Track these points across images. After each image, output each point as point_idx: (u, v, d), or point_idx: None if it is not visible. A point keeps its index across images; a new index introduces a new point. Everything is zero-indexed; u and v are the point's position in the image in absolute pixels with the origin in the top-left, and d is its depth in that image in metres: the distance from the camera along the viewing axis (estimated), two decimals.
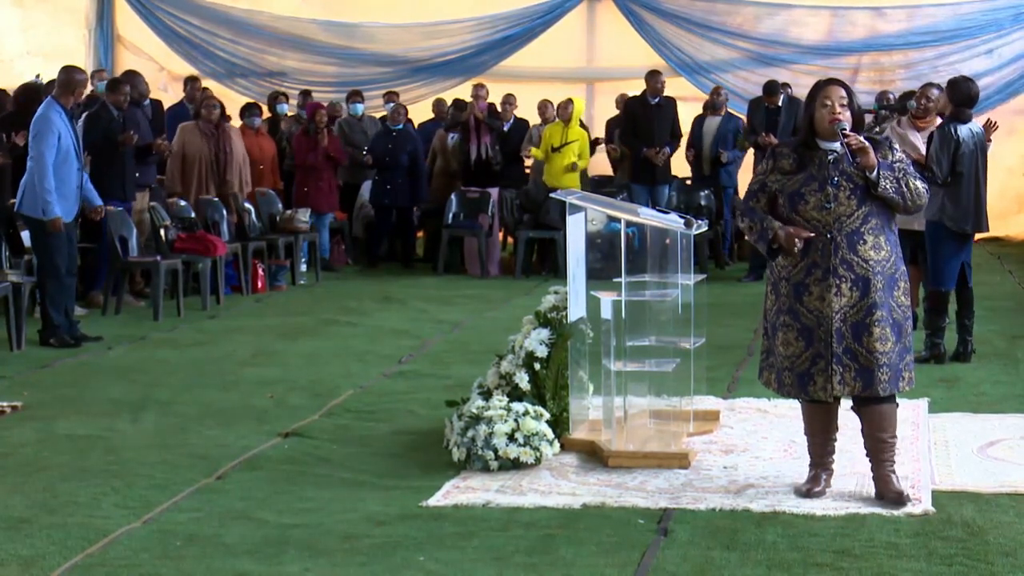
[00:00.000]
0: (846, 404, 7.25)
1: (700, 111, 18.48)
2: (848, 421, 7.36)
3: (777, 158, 7.16)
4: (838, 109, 6.95)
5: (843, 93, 7.01)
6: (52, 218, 11.88)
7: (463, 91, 20.58)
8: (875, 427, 7.06)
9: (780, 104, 16.72)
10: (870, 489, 7.12)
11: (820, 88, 7.09)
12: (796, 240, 6.94)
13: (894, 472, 7.06)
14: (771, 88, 16.97)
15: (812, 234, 6.93)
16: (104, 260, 14.04)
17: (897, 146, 7.17)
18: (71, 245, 12.22)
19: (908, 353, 7.07)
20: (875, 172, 6.87)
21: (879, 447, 7.07)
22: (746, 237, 7.44)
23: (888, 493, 6.98)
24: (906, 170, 7.01)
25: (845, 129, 6.92)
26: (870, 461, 7.12)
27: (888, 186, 6.89)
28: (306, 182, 17.66)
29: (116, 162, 13.63)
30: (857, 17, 21.57)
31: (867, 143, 6.91)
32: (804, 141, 7.12)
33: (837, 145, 6.97)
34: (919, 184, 7.00)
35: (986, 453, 8.08)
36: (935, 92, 11.76)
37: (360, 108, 19.09)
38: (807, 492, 7.12)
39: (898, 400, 7.19)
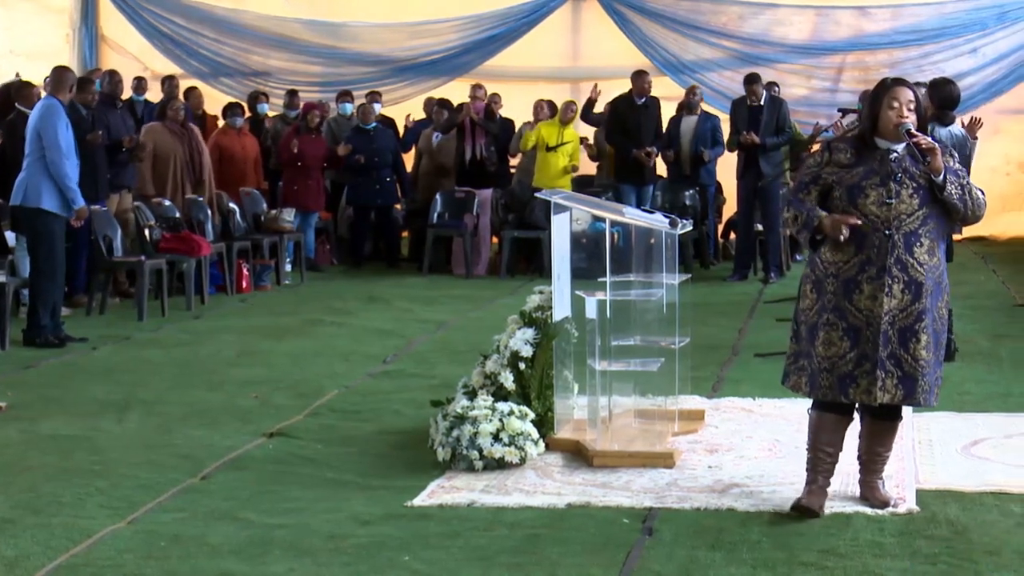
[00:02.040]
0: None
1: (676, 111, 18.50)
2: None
3: (833, 151, 6.91)
4: (906, 112, 6.76)
5: (911, 96, 6.82)
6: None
7: (448, 91, 20.59)
8: (877, 442, 6.98)
9: (763, 102, 16.72)
10: (855, 488, 7.12)
11: (887, 88, 6.88)
12: (843, 226, 6.68)
13: (882, 479, 7.03)
14: (751, 78, 16.99)
15: (859, 221, 6.68)
16: (82, 260, 14.02)
17: (956, 155, 6.98)
18: (63, 242, 12.25)
19: (939, 367, 6.88)
20: (942, 176, 6.68)
21: (874, 459, 7.00)
22: (788, 230, 7.15)
23: (875, 500, 6.95)
24: (967, 179, 6.82)
25: (911, 130, 6.71)
26: (860, 469, 7.06)
27: (953, 191, 6.68)
28: (295, 180, 17.65)
29: (86, 162, 13.59)
30: (841, 16, 21.59)
31: (936, 144, 6.71)
32: (862, 137, 6.91)
33: (899, 147, 6.78)
34: (980, 194, 6.83)
35: (970, 452, 8.09)
36: (921, 92, 11.75)
37: (349, 108, 19.07)
38: (803, 507, 6.85)
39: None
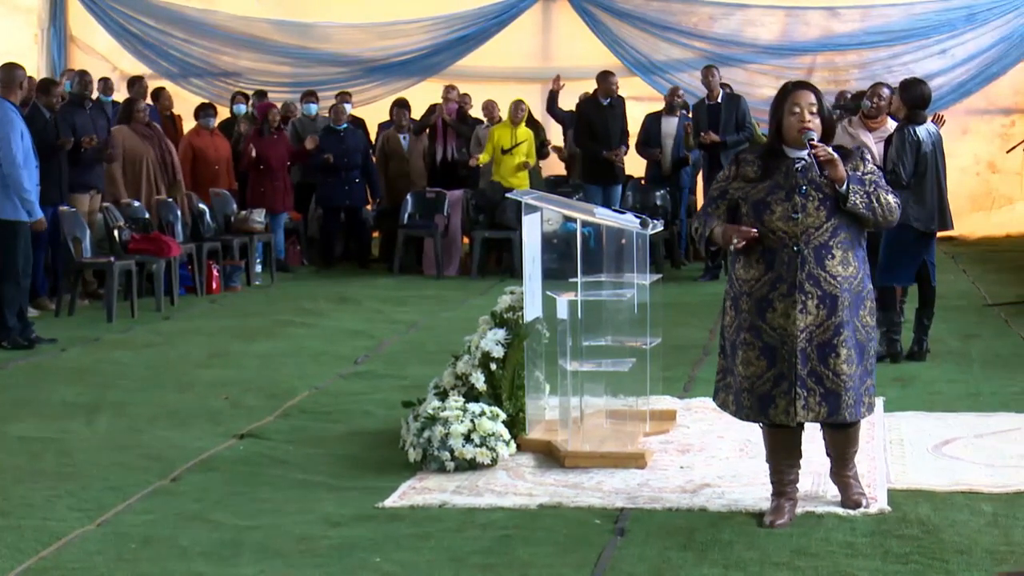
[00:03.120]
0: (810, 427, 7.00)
1: (654, 111, 18.51)
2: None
3: (740, 164, 6.76)
4: (807, 117, 6.55)
5: (813, 99, 6.60)
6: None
7: (419, 91, 20.57)
8: (841, 446, 6.88)
9: (720, 100, 16.76)
10: (825, 488, 7.13)
11: (788, 93, 6.66)
12: (734, 236, 6.56)
13: (854, 473, 6.95)
14: (705, 69, 17.09)
15: (754, 232, 6.56)
16: (40, 262, 13.92)
17: (869, 157, 6.85)
18: (27, 245, 12.16)
19: (869, 377, 6.70)
20: (844, 186, 6.48)
21: (843, 460, 6.91)
22: (695, 241, 7.12)
23: (847, 499, 6.88)
24: (877, 183, 6.63)
25: (813, 139, 6.54)
26: (831, 463, 6.97)
27: (858, 201, 6.51)
28: (260, 182, 17.60)
29: (52, 164, 13.50)
30: (811, 17, 21.65)
31: (836, 155, 6.50)
32: (770, 148, 6.75)
33: (805, 153, 6.60)
34: (891, 199, 6.65)
35: (941, 452, 8.11)
36: (886, 91, 11.79)
37: (314, 108, 19.06)
38: (771, 524, 6.72)
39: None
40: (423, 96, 19.61)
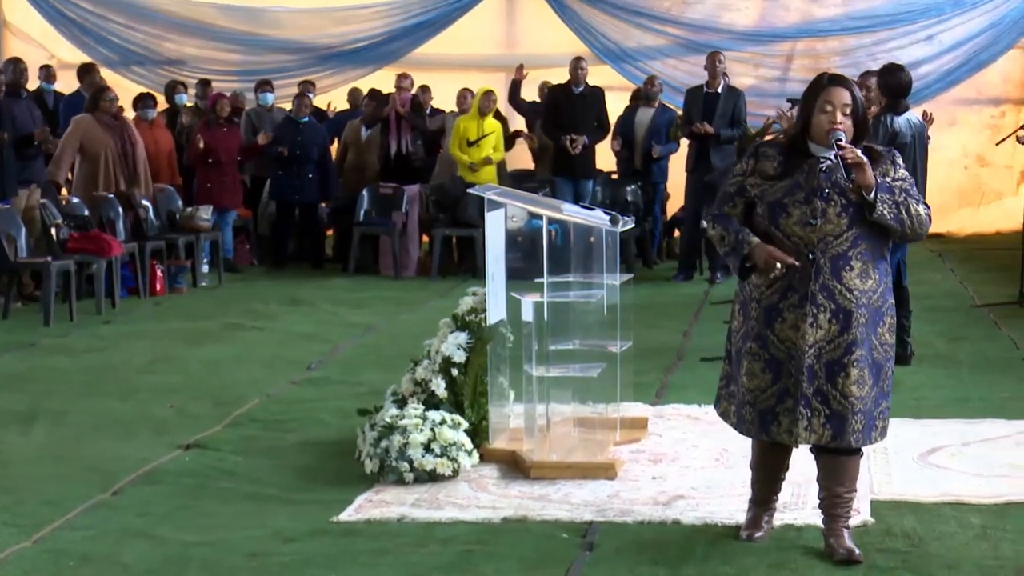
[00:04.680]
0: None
1: (628, 102, 18.54)
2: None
3: (760, 158, 6.54)
4: (839, 118, 6.31)
5: (848, 98, 6.33)
6: None
7: (376, 80, 20.55)
8: (834, 480, 6.58)
9: (719, 90, 16.74)
10: (806, 499, 7.15)
11: (822, 88, 6.41)
12: (776, 264, 6.35)
13: (848, 528, 6.61)
14: (710, 56, 17.04)
15: (796, 262, 6.34)
16: None
17: (901, 162, 6.56)
18: None
19: (885, 399, 6.46)
20: (872, 194, 6.25)
21: (835, 502, 6.54)
22: (717, 249, 6.75)
23: (838, 549, 6.48)
24: (908, 191, 6.38)
25: (841, 140, 6.25)
26: (822, 513, 6.65)
27: (886, 211, 6.27)
28: (208, 177, 17.55)
29: None
30: (791, 1, 21.68)
31: (864, 158, 6.26)
32: (793, 143, 6.56)
33: (831, 154, 6.33)
34: (921, 209, 6.43)
35: (927, 461, 8.15)
36: (874, 81, 11.85)
37: (270, 98, 19.01)
38: (748, 537, 6.71)
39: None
40: (380, 85, 19.57)
